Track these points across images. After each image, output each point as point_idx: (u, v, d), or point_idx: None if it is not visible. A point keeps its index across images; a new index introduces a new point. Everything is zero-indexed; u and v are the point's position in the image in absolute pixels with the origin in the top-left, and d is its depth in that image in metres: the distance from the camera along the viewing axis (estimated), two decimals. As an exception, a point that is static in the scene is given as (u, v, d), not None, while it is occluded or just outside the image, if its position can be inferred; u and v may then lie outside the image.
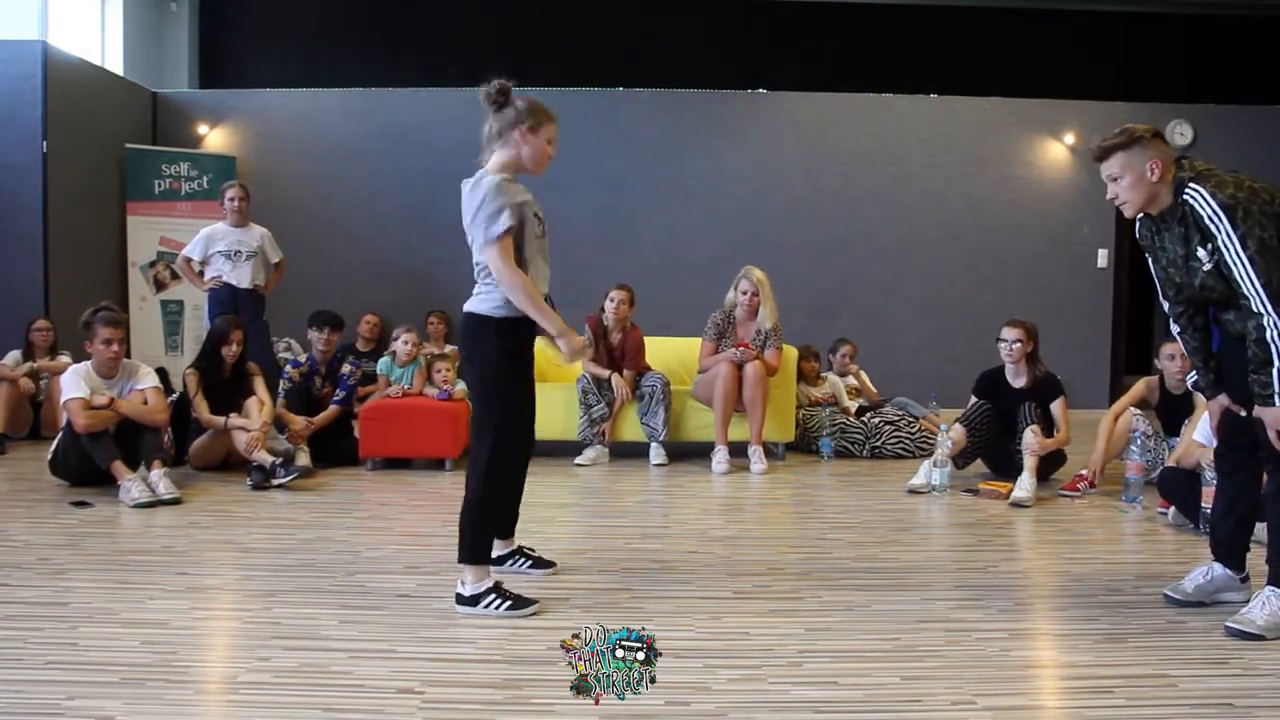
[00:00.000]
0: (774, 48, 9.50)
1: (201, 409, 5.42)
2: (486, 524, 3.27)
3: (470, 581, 3.19)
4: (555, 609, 3.25)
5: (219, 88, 9.25)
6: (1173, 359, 5.14)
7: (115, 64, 8.61)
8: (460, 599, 3.20)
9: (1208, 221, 2.91)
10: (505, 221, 3.08)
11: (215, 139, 8.87)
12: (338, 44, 9.59)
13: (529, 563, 3.65)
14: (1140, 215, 3.14)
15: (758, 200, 8.88)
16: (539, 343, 3.34)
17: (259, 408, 5.42)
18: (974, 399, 5.51)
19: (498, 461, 3.22)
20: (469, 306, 3.25)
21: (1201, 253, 2.96)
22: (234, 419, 5.34)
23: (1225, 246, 2.88)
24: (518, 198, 3.15)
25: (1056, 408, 5.35)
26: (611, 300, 6.17)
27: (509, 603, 3.17)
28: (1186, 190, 2.97)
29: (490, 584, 3.20)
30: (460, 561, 3.21)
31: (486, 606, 3.16)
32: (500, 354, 3.21)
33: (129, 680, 2.63)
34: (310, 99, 8.94)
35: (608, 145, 8.84)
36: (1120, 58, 9.54)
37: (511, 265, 3.11)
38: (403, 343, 6.12)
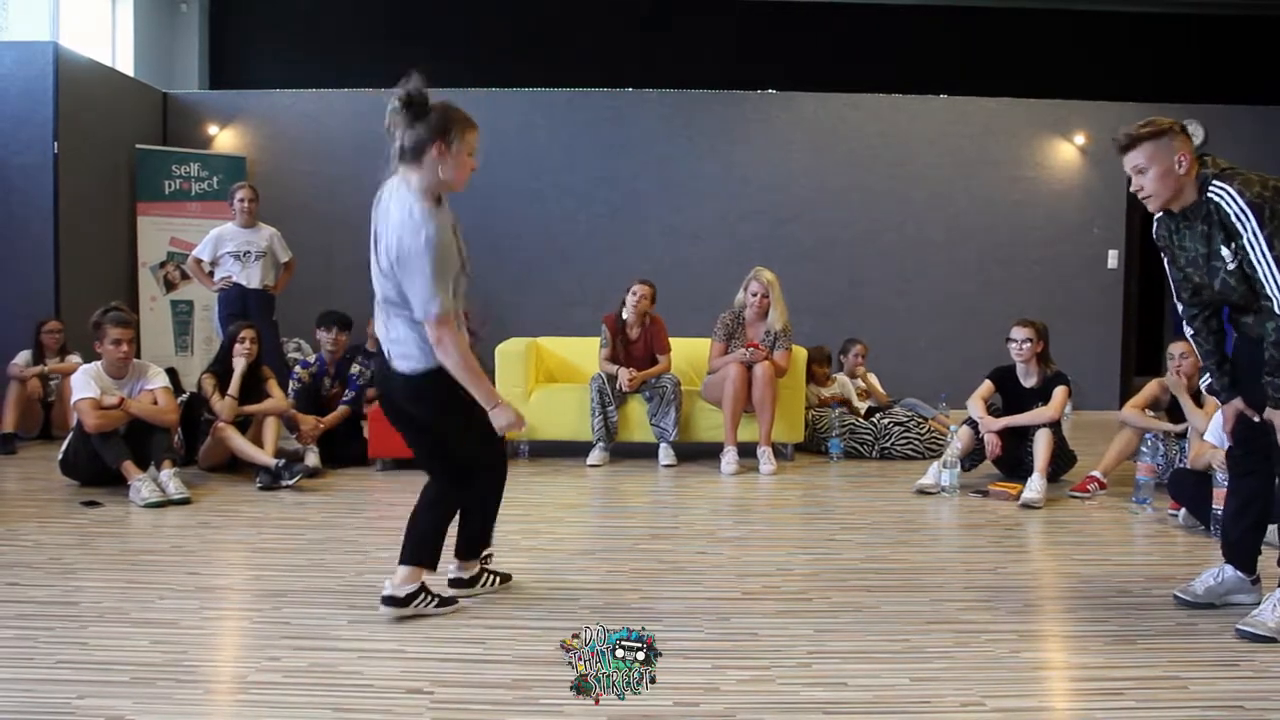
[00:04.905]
0: (783, 48, 9.48)
1: (222, 403, 5.39)
2: (440, 527, 3.17)
3: (400, 582, 3.10)
4: (564, 609, 3.25)
5: (229, 88, 9.26)
6: (1185, 357, 5.09)
7: (126, 65, 8.64)
8: (390, 600, 3.09)
9: (1234, 219, 2.85)
10: (446, 297, 2.87)
11: (225, 139, 8.90)
12: (347, 44, 9.60)
13: (497, 579, 3.46)
14: (1159, 214, 3.09)
15: (767, 201, 8.86)
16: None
17: (275, 426, 5.45)
18: (987, 381, 5.48)
19: (461, 480, 3.18)
20: (404, 368, 3.02)
21: (1225, 252, 2.90)
22: (237, 439, 5.31)
23: (1250, 245, 2.83)
24: (454, 250, 2.94)
25: (1057, 393, 5.27)
26: (634, 294, 6.12)
27: (436, 600, 3.15)
28: (1212, 187, 2.91)
29: (418, 585, 3.12)
30: (402, 563, 3.11)
31: (418, 605, 3.10)
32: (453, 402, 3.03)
33: (139, 680, 2.64)
34: (320, 99, 8.96)
35: (617, 146, 8.84)
36: (1130, 58, 9.49)
37: (455, 336, 2.91)
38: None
